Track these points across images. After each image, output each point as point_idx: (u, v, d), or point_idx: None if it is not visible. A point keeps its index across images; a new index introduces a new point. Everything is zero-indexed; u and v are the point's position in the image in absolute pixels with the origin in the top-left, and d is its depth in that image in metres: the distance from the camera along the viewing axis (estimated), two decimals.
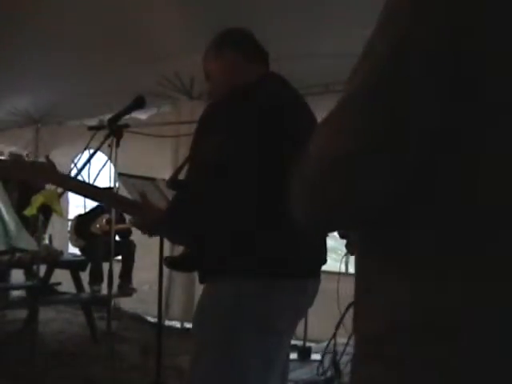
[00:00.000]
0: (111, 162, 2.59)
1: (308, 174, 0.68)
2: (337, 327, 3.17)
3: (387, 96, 0.62)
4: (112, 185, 2.72)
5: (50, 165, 1.67)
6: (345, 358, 3.59)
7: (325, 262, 1.59)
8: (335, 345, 3.29)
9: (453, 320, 0.63)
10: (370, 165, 0.62)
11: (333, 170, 0.64)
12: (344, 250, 5.14)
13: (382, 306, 0.69)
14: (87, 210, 5.74)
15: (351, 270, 5.04)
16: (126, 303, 5.65)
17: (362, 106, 0.63)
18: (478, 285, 0.62)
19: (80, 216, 5.70)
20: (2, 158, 5.56)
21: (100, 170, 2.43)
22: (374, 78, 0.63)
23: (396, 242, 0.68)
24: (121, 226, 5.01)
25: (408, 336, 0.66)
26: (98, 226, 5.40)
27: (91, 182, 2.26)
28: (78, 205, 7.07)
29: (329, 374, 3.27)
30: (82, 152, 4.80)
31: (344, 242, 5.01)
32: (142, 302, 5.27)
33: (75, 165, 6.77)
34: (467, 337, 0.62)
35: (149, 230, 1.63)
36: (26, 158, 5.87)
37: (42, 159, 5.89)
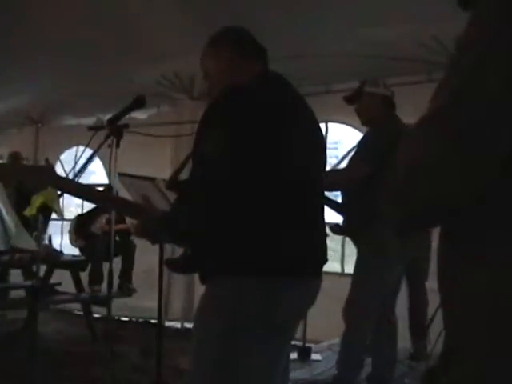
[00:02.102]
0: (111, 162, 2.58)
1: (396, 177, 0.75)
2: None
3: (469, 112, 0.66)
4: (111, 185, 2.71)
5: (49, 168, 1.66)
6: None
7: (326, 261, 1.59)
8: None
9: None
10: (444, 174, 0.67)
11: (411, 176, 0.71)
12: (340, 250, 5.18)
13: (460, 296, 0.73)
14: (84, 210, 5.75)
15: (348, 270, 5.06)
16: (126, 303, 5.65)
17: (444, 119, 0.69)
18: None
19: (80, 216, 5.70)
20: (1, 161, 5.56)
21: (85, 166, 2.42)
22: (458, 93, 0.68)
23: (478, 235, 0.72)
24: (121, 226, 5.01)
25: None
26: (97, 226, 5.40)
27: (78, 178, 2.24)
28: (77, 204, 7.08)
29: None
30: (82, 152, 4.81)
31: (340, 240, 5.04)
32: (141, 302, 5.26)
33: (74, 166, 6.79)
34: None
35: (150, 235, 1.62)
36: (25, 162, 5.89)
37: (41, 161, 5.90)
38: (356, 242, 3.00)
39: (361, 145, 2.97)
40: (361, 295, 2.84)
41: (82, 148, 3.53)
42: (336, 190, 3.07)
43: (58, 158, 6.97)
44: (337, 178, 2.97)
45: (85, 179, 6.26)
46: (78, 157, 6.09)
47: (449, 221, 0.75)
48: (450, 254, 0.76)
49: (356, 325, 2.84)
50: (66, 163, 6.95)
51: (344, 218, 3.02)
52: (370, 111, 2.95)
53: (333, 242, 3.09)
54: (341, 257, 5.06)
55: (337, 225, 3.05)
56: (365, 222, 2.75)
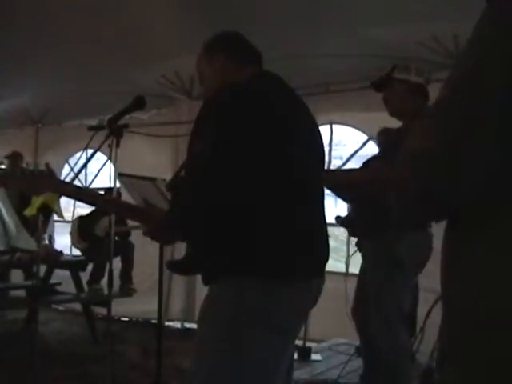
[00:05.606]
0: (111, 161, 2.59)
1: (400, 168, 0.77)
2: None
3: (468, 107, 0.69)
4: (112, 185, 2.71)
5: (49, 172, 1.66)
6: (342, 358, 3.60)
7: (327, 260, 1.59)
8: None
9: None
10: (448, 161, 0.69)
11: (414, 165, 0.72)
12: (345, 251, 5.17)
13: (466, 287, 0.73)
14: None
15: (351, 270, 5.05)
16: (126, 303, 5.65)
17: (447, 111, 0.72)
18: None
19: (81, 218, 5.67)
20: (2, 166, 5.56)
21: (99, 170, 2.44)
22: (460, 89, 0.71)
23: (484, 228, 0.72)
24: (123, 227, 4.99)
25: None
26: (101, 227, 5.37)
27: (90, 182, 2.26)
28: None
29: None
30: (82, 152, 4.81)
31: (344, 241, 5.02)
32: (141, 302, 5.27)
33: (74, 165, 6.79)
34: None
35: (156, 237, 1.61)
36: (25, 163, 5.89)
37: (41, 162, 5.90)
38: (364, 249, 2.83)
39: (390, 146, 2.67)
40: (387, 315, 2.61)
41: (89, 150, 3.52)
42: (350, 188, 2.81)
43: (67, 161, 6.96)
44: (359, 176, 2.69)
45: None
46: (82, 159, 6.09)
47: (456, 210, 0.75)
48: (452, 241, 0.77)
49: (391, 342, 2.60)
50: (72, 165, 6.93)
51: (351, 212, 2.93)
52: (399, 101, 2.64)
53: (338, 241, 3.05)
54: (346, 257, 5.06)
55: (339, 216, 2.97)
56: (380, 228, 2.54)
